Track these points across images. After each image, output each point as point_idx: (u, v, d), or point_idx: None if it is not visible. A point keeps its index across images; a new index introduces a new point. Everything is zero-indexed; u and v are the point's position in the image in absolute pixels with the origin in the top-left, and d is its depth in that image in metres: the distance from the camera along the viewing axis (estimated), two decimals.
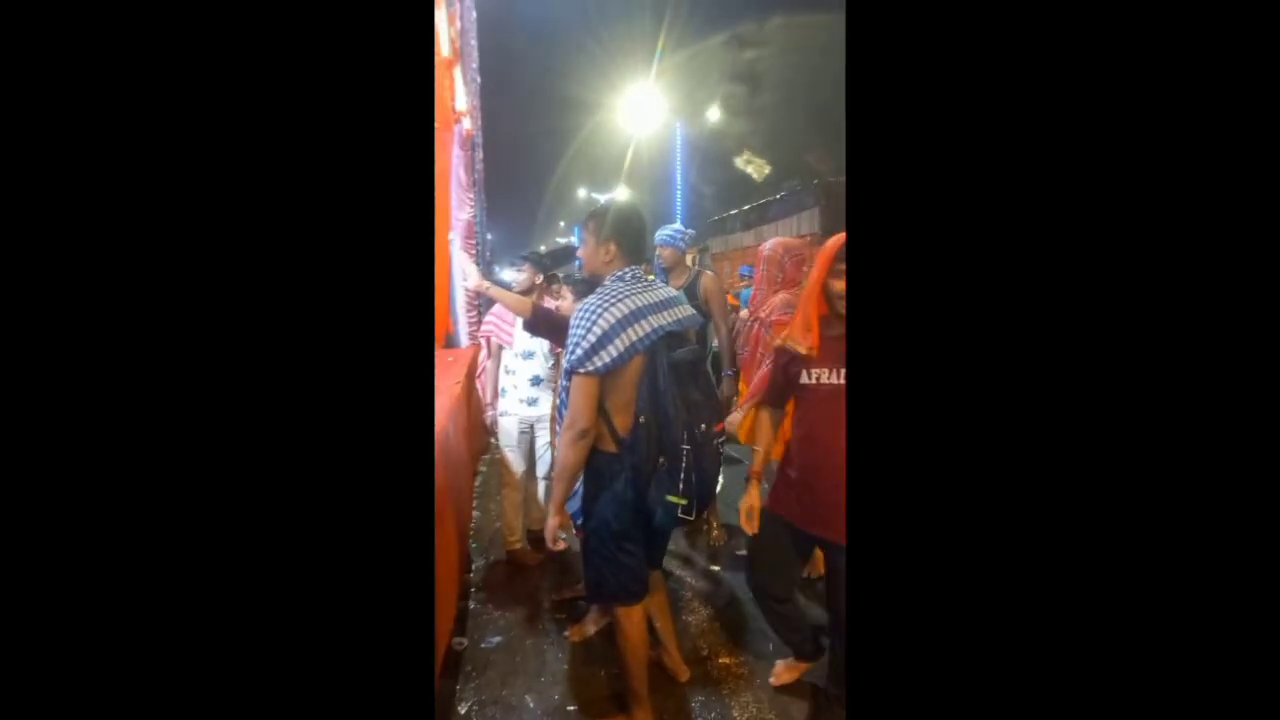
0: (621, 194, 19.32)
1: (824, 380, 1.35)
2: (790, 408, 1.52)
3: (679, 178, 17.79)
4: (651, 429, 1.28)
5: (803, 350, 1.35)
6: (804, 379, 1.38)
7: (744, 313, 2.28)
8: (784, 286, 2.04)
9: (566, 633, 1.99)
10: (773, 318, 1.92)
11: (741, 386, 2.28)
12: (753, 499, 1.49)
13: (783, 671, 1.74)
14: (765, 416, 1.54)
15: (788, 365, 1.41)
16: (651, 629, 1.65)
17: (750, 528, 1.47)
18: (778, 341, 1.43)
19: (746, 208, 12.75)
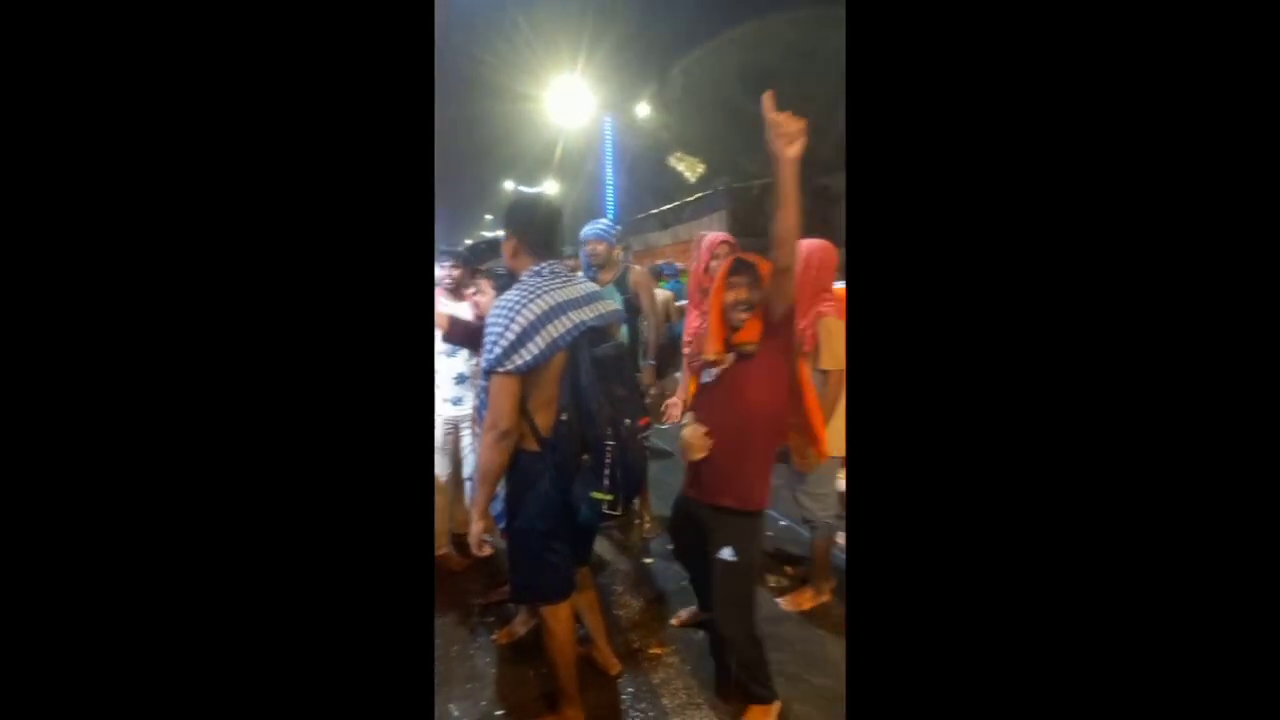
0: (551, 188, 19.04)
1: (716, 371, 1.48)
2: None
3: (609, 173, 17.76)
4: (574, 426, 1.27)
5: (711, 357, 1.48)
6: (705, 378, 1.52)
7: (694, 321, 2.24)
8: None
9: (494, 636, 1.95)
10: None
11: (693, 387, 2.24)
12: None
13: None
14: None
15: (699, 370, 1.56)
16: (582, 625, 1.64)
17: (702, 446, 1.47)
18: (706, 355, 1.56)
19: (666, 208, 13.16)
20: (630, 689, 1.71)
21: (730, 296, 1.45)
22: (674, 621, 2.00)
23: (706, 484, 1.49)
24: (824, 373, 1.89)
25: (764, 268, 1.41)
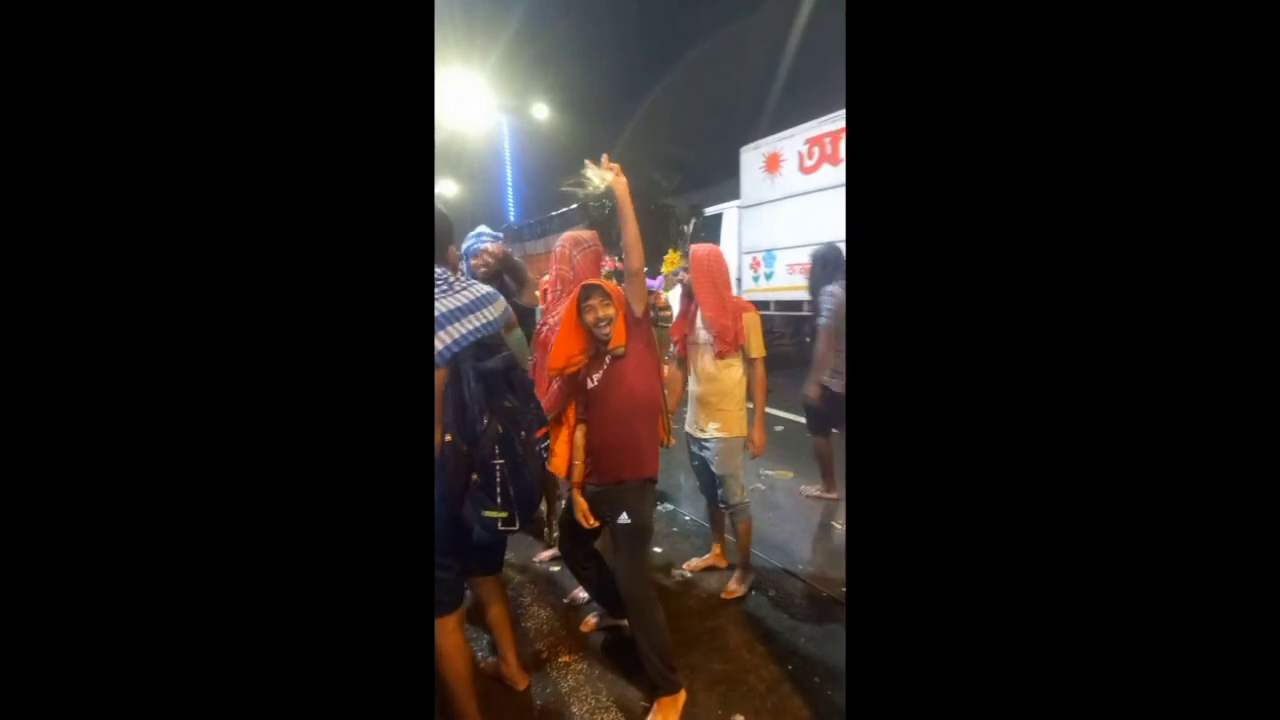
0: (448, 189, 18.30)
1: (597, 376, 1.65)
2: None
3: (509, 174, 17.38)
4: (459, 447, 1.25)
5: (571, 370, 1.65)
6: (589, 385, 1.66)
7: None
8: (576, 284, 2.11)
9: None
10: None
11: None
12: (580, 504, 1.70)
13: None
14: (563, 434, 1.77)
15: (566, 383, 1.71)
16: (492, 640, 1.61)
17: (588, 523, 1.70)
18: (553, 373, 1.68)
19: (541, 218, 13.67)
20: (539, 701, 1.71)
21: (589, 318, 1.62)
22: (582, 628, 2.03)
23: (603, 468, 1.66)
24: (752, 360, 2.11)
25: (614, 289, 1.62)
